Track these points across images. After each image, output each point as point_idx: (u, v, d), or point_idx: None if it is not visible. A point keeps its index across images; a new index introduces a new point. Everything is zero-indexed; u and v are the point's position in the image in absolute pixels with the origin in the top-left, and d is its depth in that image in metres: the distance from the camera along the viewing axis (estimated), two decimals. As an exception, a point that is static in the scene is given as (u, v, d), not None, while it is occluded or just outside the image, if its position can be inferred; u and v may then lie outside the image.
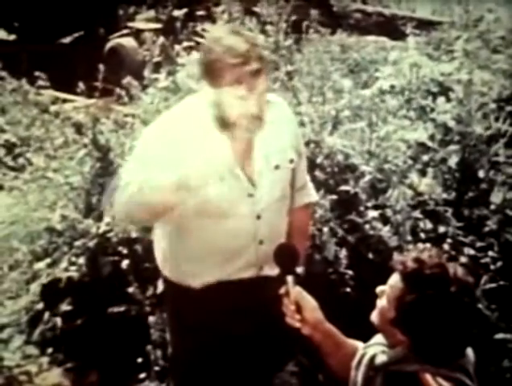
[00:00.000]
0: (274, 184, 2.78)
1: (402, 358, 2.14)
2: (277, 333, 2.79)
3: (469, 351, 2.21)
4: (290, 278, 2.33)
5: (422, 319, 2.10)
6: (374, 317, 2.23)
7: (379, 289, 2.23)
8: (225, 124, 2.65)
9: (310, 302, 2.33)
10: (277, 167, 2.77)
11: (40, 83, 6.58)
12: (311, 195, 3.02)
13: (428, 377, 2.07)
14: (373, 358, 2.22)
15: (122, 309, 4.05)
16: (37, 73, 6.49)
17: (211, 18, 6.57)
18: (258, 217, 2.75)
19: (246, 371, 2.86)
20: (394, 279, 2.18)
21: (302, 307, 2.31)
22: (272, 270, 2.75)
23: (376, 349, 2.24)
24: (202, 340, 2.80)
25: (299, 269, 2.34)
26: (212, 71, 2.60)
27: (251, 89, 2.58)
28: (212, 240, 2.75)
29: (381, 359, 2.20)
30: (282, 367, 2.92)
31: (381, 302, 2.20)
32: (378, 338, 2.27)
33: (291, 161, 2.82)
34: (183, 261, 2.81)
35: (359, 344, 2.38)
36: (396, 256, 2.21)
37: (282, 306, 2.33)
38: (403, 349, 2.15)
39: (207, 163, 2.59)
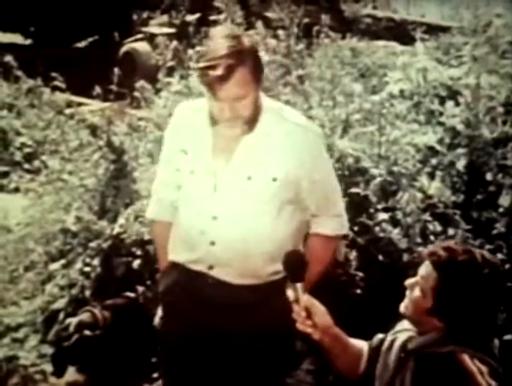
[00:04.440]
0: (243, 193, 2.70)
1: (438, 340, 2.20)
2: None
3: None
4: (299, 285, 2.29)
5: (461, 305, 2.17)
6: (405, 308, 2.28)
7: (409, 281, 2.27)
8: (212, 121, 2.69)
9: (320, 308, 2.34)
10: (249, 178, 2.70)
11: (56, 83, 6.64)
12: (326, 226, 2.81)
13: (466, 357, 2.13)
14: (405, 342, 2.28)
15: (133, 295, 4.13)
16: (53, 74, 6.55)
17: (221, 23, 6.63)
18: (214, 218, 2.73)
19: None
20: (426, 270, 2.22)
21: (312, 313, 2.32)
22: (226, 275, 2.75)
23: (407, 334, 2.30)
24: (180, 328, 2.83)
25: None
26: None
27: (215, 95, 2.56)
28: (178, 225, 2.83)
29: (415, 342, 2.25)
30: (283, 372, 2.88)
31: (414, 294, 2.25)
32: (404, 324, 2.33)
33: (274, 179, 2.69)
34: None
35: (363, 343, 2.44)
36: (420, 251, 2.24)
37: (292, 313, 2.32)
38: (438, 333, 2.21)
39: (184, 155, 2.75)
